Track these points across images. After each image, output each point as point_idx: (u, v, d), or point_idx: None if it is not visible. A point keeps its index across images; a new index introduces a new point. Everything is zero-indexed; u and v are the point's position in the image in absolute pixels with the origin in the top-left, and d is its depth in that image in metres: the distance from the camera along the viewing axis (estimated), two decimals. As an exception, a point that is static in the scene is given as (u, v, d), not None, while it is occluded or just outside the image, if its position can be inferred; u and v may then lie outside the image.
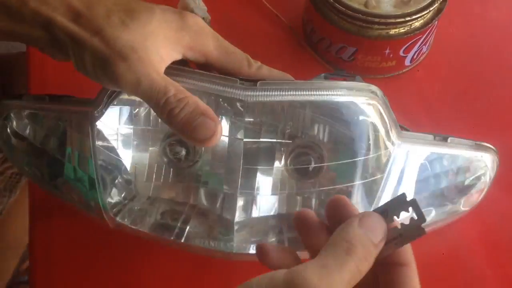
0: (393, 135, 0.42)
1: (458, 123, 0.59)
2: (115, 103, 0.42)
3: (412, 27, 0.57)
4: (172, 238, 0.44)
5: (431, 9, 0.57)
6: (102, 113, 0.42)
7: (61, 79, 0.57)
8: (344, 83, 0.42)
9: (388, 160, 0.43)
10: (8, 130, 0.46)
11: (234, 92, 0.40)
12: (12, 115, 0.45)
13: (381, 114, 0.42)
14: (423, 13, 0.56)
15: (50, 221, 0.53)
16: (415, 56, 0.61)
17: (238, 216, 0.44)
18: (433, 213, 0.46)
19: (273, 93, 0.40)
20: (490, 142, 0.47)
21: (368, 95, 0.41)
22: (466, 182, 0.47)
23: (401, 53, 0.59)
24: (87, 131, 0.42)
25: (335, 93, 0.41)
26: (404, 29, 0.57)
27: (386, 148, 0.43)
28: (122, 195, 0.45)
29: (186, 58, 0.41)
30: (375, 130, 0.42)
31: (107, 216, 0.44)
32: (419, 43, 0.59)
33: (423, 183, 0.45)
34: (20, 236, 1.07)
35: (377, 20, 0.55)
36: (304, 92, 0.40)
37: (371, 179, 0.43)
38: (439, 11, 0.59)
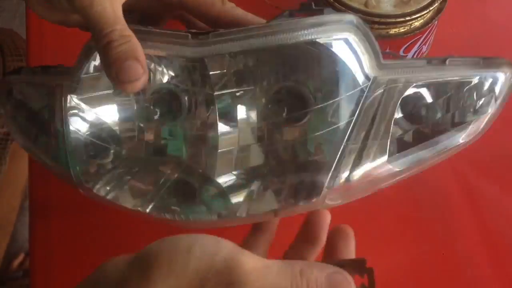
0: (369, 68, 0.39)
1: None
2: (91, 72, 0.40)
3: (412, 27, 0.57)
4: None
5: (431, 9, 0.57)
6: (78, 82, 0.40)
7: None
8: (308, 20, 0.37)
9: (359, 99, 0.39)
10: (12, 105, 0.45)
11: (184, 49, 0.38)
12: (14, 90, 0.45)
13: (355, 47, 0.38)
14: (423, 13, 0.56)
15: (50, 221, 0.53)
16: (415, 56, 0.61)
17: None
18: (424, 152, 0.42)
19: (226, 44, 0.37)
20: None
21: (338, 28, 0.38)
22: (470, 108, 0.42)
23: (401, 52, 0.59)
24: (60, 104, 0.41)
25: (294, 34, 0.37)
26: (404, 28, 0.57)
27: (356, 86, 0.39)
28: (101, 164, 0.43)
29: None
30: (345, 68, 0.39)
31: (83, 188, 0.42)
32: (419, 43, 0.59)
33: (413, 117, 0.41)
34: (8, 213, 1.07)
35: (377, 19, 0.55)
36: (260, 39, 0.37)
37: (340, 123, 0.39)
38: (439, 11, 0.59)
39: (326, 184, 0.39)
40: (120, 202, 0.41)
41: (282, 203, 0.39)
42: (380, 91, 0.39)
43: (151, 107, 0.42)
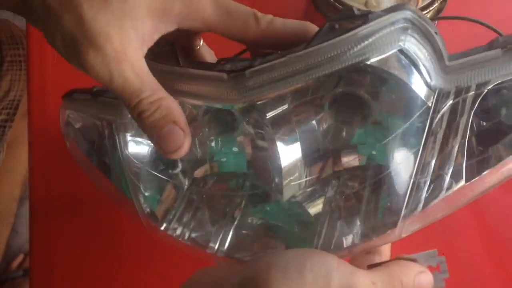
0: (432, 76, 0.32)
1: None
2: None
3: (412, 27, 0.57)
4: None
5: (431, 9, 0.57)
6: (129, 119, 0.38)
7: (60, 78, 0.57)
8: (353, 35, 0.31)
9: (424, 120, 0.32)
10: (73, 135, 0.43)
11: (222, 97, 0.34)
12: (70, 120, 0.43)
13: (413, 56, 0.32)
14: (423, 13, 0.56)
15: (50, 221, 0.53)
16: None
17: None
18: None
19: (266, 88, 0.33)
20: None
21: (390, 36, 0.31)
22: None
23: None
24: (114, 142, 0.39)
25: (340, 60, 0.31)
26: (404, 29, 0.57)
27: (419, 105, 0.32)
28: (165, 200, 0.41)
29: (182, 28, 0.36)
30: (404, 88, 0.32)
31: (147, 224, 0.40)
32: (419, 43, 0.59)
33: (491, 129, 0.34)
34: (9, 203, 1.07)
35: (377, 20, 0.55)
36: (301, 76, 0.32)
37: (404, 158, 0.34)
38: (439, 11, 0.59)
39: (400, 219, 0.34)
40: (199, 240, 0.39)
41: (354, 240, 0.36)
42: (449, 103, 0.32)
43: (207, 129, 0.39)
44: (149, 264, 0.50)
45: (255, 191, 0.39)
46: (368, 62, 0.31)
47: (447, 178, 0.33)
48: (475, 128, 0.34)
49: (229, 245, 0.38)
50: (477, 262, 0.52)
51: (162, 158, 0.40)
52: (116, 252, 0.51)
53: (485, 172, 0.34)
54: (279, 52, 0.34)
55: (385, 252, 0.39)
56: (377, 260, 0.38)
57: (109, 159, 0.40)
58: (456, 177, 0.33)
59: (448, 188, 0.34)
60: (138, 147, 0.39)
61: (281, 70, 0.33)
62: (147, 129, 0.33)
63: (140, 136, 0.39)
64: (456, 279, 0.51)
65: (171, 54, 0.37)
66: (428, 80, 0.32)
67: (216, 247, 0.38)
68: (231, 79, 0.33)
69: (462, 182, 0.33)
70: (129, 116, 0.35)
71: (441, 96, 0.32)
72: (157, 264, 0.50)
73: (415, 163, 0.33)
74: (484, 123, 0.34)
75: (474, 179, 0.34)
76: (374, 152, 0.36)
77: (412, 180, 0.33)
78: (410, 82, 0.32)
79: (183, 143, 0.33)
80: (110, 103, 0.39)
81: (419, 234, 0.52)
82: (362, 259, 0.38)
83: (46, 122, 0.57)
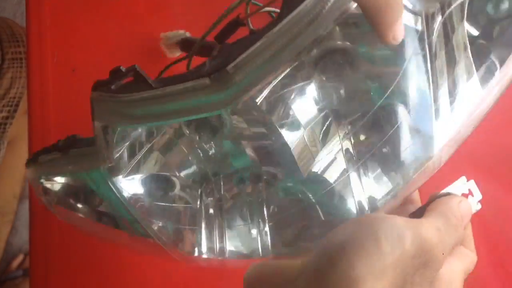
0: (413, 1, 0.32)
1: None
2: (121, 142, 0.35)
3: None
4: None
5: (431, 9, 0.56)
6: (115, 161, 0.35)
7: (60, 78, 0.57)
8: None
9: (424, 47, 0.33)
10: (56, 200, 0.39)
11: (206, 104, 0.31)
12: (46, 187, 0.39)
13: None
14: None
15: (50, 221, 0.53)
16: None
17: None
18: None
19: (255, 82, 0.30)
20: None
21: None
22: None
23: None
24: (105, 191, 0.36)
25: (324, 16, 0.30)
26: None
27: (415, 31, 0.32)
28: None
29: None
30: None
31: (179, 256, 0.38)
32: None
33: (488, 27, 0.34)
34: (9, 200, 1.07)
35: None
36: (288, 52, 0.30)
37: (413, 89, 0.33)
38: (439, 11, 0.59)
39: (435, 147, 0.34)
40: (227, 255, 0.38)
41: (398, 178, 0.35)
42: (439, 20, 0.33)
43: (197, 137, 0.37)
44: (149, 264, 0.50)
45: (269, 179, 0.38)
46: (349, 11, 0.30)
47: (464, 92, 0.33)
48: (473, 36, 0.34)
49: (272, 242, 0.37)
50: (477, 262, 0.52)
51: (158, 183, 0.38)
52: (116, 252, 0.51)
53: (496, 74, 0.34)
54: (249, 35, 0.32)
55: (416, 199, 0.39)
56: (412, 209, 0.38)
57: (110, 210, 0.38)
58: (472, 89, 0.34)
59: (468, 101, 0.34)
60: (133, 184, 0.37)
61: (263, 53, 0.30)
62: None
63: (132, 172, 0.37)
64: (456, 279, 0.51)
65: (137, 79, 0.33)
66: (411, 6, 0.32)
67: (260, 250, 0.37)
68: (215, 81, 0.31)
69: (480, 91, 0.34)
70: (116, 156, 0.34)
71: (429, 17, 0.32)
72: (157, 264, 0.50)
73: (430, 90, 0.33)
74: (479, 28, 0.34)
75: (488, 84, 0.34)
76: (383, 97, 0.35)
77: (433, 108, 0.33)
78: None
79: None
80: (85, 153, 0.36)
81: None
82: (397, 212, 0.37)
83: (46, 121, 0.56)
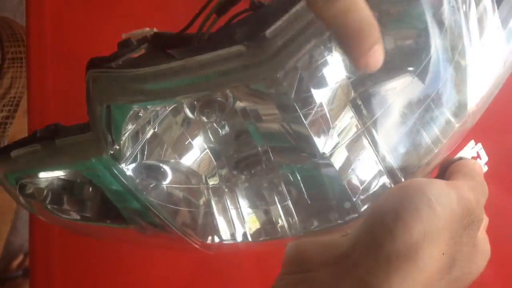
0: None
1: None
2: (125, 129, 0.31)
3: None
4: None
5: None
6: (117, 148, 0.31)
7: (60, 78, 0.57)
8: None
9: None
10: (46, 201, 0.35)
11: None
12: (23, 184, 0.34)
13: None
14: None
15: (50, 221, 0.53)
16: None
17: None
18: None
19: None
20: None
21: None
22: None
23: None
24: (112, 179, 0.32)
25: None
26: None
27: None
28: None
29: None
30: None
31: (201, 244, 0.36)
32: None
33: None
34: (8, 200, 1.07)
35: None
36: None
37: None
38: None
39: (469, 106, 0.33)
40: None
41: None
42: None
43: (204, 117, 0.33)
44: (149, 263, 0.50)
45: (282, 160, 0.35)
46: None
47: (493, 52, 0.33)
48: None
49: (299, 219, 0.35)
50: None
51: (165, 168, 0.34)
52: (116, 251, 0.51)
53: None
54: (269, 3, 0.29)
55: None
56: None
57: (115, 201, 0.34)
58: (499, 49, 0.33)
59: (497, 62, 0.33)
60: (138, 171, 0.33)
61: (303, 16, 0.27)
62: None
63: (137, 159, 0.33)
64: (456, 279, 0.51)
65: (152, 51, 0.30)
66: None
67: (287, 227, 0.35)
68: (252, 49, 0.27)
69: (506, 51, 0.34)
70: (122, 141, 0.30)
71: None
72: (157, 263, 0.50)
73: (465, 53, 0.32)
74: None
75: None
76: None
77: (468, 68, 0.33)
78: None
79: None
80: (78, 141, 0.31)
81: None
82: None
83: (45, 121, 0.56)
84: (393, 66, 0.33)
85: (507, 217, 0.54)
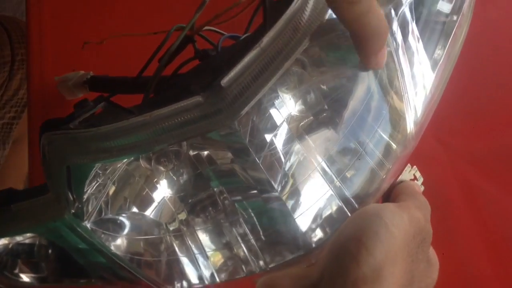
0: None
1: (458, 123, 0.59)
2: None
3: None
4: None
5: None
6: (79, 206, 0.31)
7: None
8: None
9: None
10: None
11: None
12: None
13: None
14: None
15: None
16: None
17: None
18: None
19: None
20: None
21: None
22: None
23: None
24: (77, 239, 0.32)
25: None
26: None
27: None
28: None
29: None
30: None
31: None
32: (419, 43, 0.59)
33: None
34: None
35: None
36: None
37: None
38: (439, 11, 0.59)
39: (409, 131, 0.36)
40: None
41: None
42: (396, 23, 0.35)
43: (161, 167, 0.34)
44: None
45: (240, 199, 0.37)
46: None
47: (422, 79, 0.37)
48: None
49: (262, 255, 0.36)
50: (477, 262, 0.52)
51: (126, 222, 0.35)
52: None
53: (440, 61, 0.38)
54: (234, 46, 0.31)
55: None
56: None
57: (82, 261, 0.34)
58: (427, 75, 0.37)
59: (426, 87, 0.37)
60: (101, 227, 0.33)
61: (257, 63, 0.29)
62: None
63: (98, 215, 0.33)
64: (456, 279, 0.51)
65: (109, 110, 0.31)
66: None
67: (254, 267, 0.36)
68: (209, 98, 0.28)
69: (432, 79, 0.38)
70: (84, 199, 0.30)
71: (388, 18, 0.34)
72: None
73: (400, 81, 0.35)
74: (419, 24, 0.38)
75: (436, 69, 0.38)
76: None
77: (405, 97, 0.36)
78: None
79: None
80: (36, 204, 0.31)
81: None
82: None
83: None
84: (342, 104, 0.35)
85: (507, 217, 0.54)
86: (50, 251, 0.34)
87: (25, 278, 0.35)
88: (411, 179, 0.38)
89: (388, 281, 0.27)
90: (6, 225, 0.31)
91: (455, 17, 0.40)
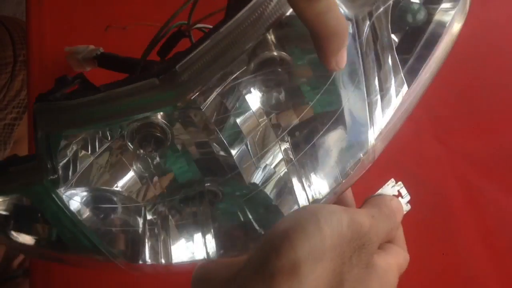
0: (345, 6, 0.35)
1: (458, 123, 0.59)
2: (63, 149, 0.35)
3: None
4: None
5: (431, 9, 0.57)
6: (58, 172, 0.34)
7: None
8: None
9: (355, 49, 0.36)
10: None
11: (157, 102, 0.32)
12: None
13: None
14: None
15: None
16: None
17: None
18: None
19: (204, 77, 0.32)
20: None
21: None
22: None
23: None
24: (52, 204, 0.35)
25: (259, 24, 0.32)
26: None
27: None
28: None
29: None
30: None
31: (126, 265, 0.39)
32: (419, 43, 0.59)
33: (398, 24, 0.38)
34: None
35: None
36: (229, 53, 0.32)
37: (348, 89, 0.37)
38: (439, 11, 0.59)
39: (369, 142, 0.37)
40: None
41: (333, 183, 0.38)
42: (367, 25, 0.36)
43: (140, 149, 0.37)
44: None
45: (213, 189, 0.39)
46: (288, 14, 0.32)
47: (393, 90, 0.37)
48: (397, 40, 0.38)
49: (216, 250, 0.38)
50: (477, 262, 0.52)
51: (101, 197, 0.38)
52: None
53: (420, 73, 0.38)
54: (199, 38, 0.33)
55: (350, 200, 0.41)
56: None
57: (54, 225, 0.36)
58: (399, 86, 0.38)
59: (396, 97, 0.37)
60: (76, 198, 0.37)
61: (210, 52, 0.32)
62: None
63: (75, 186, 0.36)
64: (456, 279, 0.51)
65: (83, 86, 0.34)
66: (344, 11, 0.35)
67: (205, 256, 0.38)
68: (164, 81, 0.32)
69: (406, 88, 0.38)
70: (59, 167, 0.33)
71: (359, 22, 0.35)
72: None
73: (363, 88, 0.36)
74: (400, 32, 0.39)
75: (413, 83, 0.38)
76: (319, 100, 0.37)
77: (366, 102, 0.37)
78: None
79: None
80: (25, 168, 0.34)
81: (419, 234, 0.52)
82: None
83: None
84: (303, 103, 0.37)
85: (507, 217, 0.54)
86: (39, 214, 0.37)
87: (22, 239, 0.37)
88: (394, 195, 0.38)
89: (307, 277, 0.27)
90: (3, 186, 0.35)
91: (439, 27, 0.40)
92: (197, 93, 0.33)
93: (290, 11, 0.32)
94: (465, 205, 0.54)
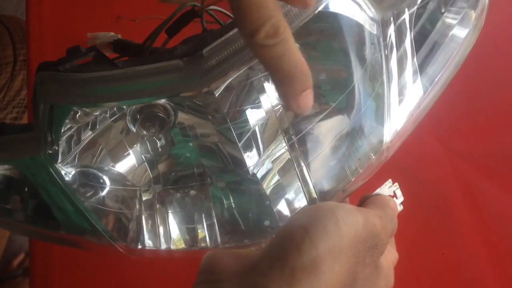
0: (372, 9, 0.34)
1: (458, 123, 0.59)
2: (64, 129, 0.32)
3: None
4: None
5: (431, 9, 0.57)
6: (56, 148, 0.32)
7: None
8: None
9: (379, 52, 0.35)
10: None
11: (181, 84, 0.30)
12: None
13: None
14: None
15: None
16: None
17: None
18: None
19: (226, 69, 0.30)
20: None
21: None
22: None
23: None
24: (48, 179, 0.33)
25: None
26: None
27: (371, 40, 0.35)
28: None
29: None
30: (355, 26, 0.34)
31: (126, 249, 0.38)
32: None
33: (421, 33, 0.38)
34: None
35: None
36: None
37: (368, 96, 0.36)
38: (439, 11, 0.59)
39: (385, 140, 0.38)
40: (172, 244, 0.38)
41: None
42: (392, 28, 0.35)
43: (143, 130, 0.35)
44: (148, 263, 0.50)
45: (212, 180, 0.39)
46: (320, 8, 0.31)
47: (410, 94, 0.37)
48: (415, 46, 0.38)
49: (221, 235, 0.38)
50: (477, 262, 0.52)
51: (99, 175, 0.36)
52: (116, 250, 0.51)
53: (436, 80, 0.39)
54: (227, 23, 0.31)
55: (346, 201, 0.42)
56: None
57: (50, 202, 0.35)
58: (416, 91, 0.38)
59: (413, 101, 0.38)
60: (74, 174, 0.35)
61: (237, 42, 0.30)
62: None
63: (73, 162, 0.34)
64: (456, 279, 0.51)
65: (98, 59, 0.32)
66: (371, 14, 0.34)
67: (208, 241, 0.38)
68: (188, 64, 0.30)
69: (421, 93, 0.38)
70: (60, 141, 0.31)
71: (384, 25, 0.35)
72: (156, 263, 0.50)
73: (384, 90, 0.36)
74: (420, 39, 0.38)
75: (429, 89, 0.38)
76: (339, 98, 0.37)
77: (386, 105, 0.36)
78: (359, 19, 0.34)
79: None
80: (19, 139, 0.33)
81: (419, 234, 0.52)
82: None
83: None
84: (320, 101, 0.37)
85: (507, 217, 0.54)
86: (26, 188, 0.35)
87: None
88: (390, 195, 0.39)
89: (326, 274, 0.27)
90: None
91: (460, 34, 0.40)
92: (224, 81, 0.31)
93: (322, 6, 0.31)
94: (465, 205, 0.54)
